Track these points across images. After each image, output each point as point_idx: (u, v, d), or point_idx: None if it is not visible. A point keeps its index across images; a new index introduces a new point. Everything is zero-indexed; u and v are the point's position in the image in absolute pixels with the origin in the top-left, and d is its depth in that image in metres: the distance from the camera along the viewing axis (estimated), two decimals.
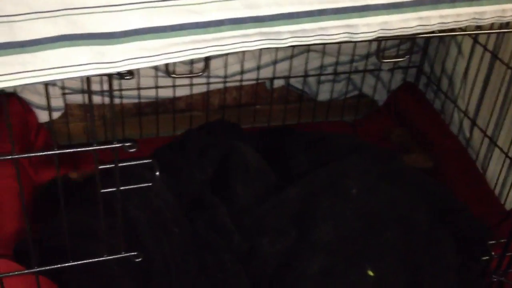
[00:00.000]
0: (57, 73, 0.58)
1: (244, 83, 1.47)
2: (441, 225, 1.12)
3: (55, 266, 0.77)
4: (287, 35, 0.65)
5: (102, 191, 0.72)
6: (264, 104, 1.54)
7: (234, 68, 1.44)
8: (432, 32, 0.75)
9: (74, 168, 1.29)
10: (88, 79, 0.63)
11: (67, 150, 0.70)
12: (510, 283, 1.00)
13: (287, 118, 1.51)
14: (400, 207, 1.12)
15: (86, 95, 1.35)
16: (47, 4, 0.55)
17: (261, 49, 0.79)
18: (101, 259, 0.77)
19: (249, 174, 1.17)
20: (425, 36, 1.26)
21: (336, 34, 0.67)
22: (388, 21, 0.67)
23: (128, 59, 0.59)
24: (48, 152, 0.68)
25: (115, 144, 0.69)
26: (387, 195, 1.14)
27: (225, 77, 1.44)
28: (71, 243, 0.76)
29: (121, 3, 0.57)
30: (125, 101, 1.40)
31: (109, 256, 0.77)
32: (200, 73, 1.23)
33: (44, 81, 0.58)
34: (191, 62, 1.38)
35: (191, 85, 1.43)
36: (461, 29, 0.94)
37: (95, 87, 1.33)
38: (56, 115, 1.34)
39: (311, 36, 0.66)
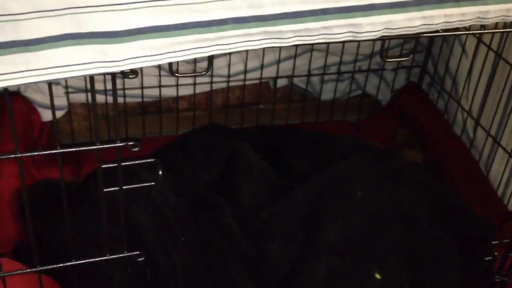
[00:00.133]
0: (60, 72, 0.58)
1: (247, 82, 1.47)
2: (444, 224, 1.11)
3: (58, 265, 0.77)
4: (291, 34, 0.65)
5: (104, 190, 0.72)
6: (267, 104, 1.54)
7: (237, 67, 1.44)
8: (436, 31, 0.75)
9: (76, 168, 1.29)
10: (91, 78, 0.63)
11: (70, 149, 0.70)
12: None
13: (290, 118, 1.51)
14: (403, 206, 1.12)
15: (89, 94, 1.35)
16: (51, 3, 0.55)
17: (264, 48, 0.79)
18: (103, 258, 0.77)
19: (253, 175, 1.17)
20: (429, 36, 1.25)
21: (340, 33, 0.67)
22: (392, 20, 0.67)
23: (132, 58, 0.59)
24: (51, 151, 0.68)
25: (118, 143, 0.69)
26: (390, 195, 1.13)
27: (229, 76, 1.44)
28: (72, 244, 0.76)
29: (125, 2, 0.57)
30: (128, 100, 1.40)
31: (112, 255, 0.77)
32: (204, 72, 1.23)
33: (47, 80, 0.58)
34: (195, 61, 1.38)
35: (194, 84, 1.43)
36: (465, 29, 0.94)
37: (99, 86, 1.33)
38: (59, 114, 1.34)
39: (314, 35, 0.66)
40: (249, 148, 1.22)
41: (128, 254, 0.78)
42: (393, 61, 1.51)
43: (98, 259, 0.78)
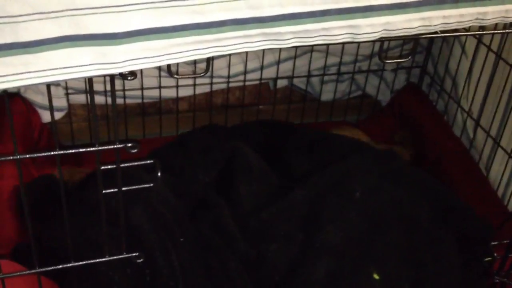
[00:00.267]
0: (59, 74, 0.58)
1: (247, 83, 1.47)
2: (444, 224, 1.11)
3: (57, 266, 0.77)
4: (290, 36, 0.65)
5: (104, 191, 0.72)
6: (267, 104, 1.54)
7: (237, 68, 1.44)
8: (435, 32, 0.75)
9: (77, 167, 1.29)
10: (90, 79, 0.63)
11: (69, 151, 0.70)
12: None
13: (290, 118, 1.51)
14: (403, 207, 1.12)
15: (89, 95, 1.35)
16: (50, 5, 0.55)
17: (264, 49, 0.79)
18: (103, 259, 0.77)
19: (253, 175, 1.17)
20: (428, 37, 1.25)
21: (339, 35, 0.67)
22: (391, 22, 0.67)
23: (130, 60, 0.59)
24: (50, 153, 0.68)
25: (117, 144, 0.69)
26: (390, 195, 1.13)
27: (228, 77, 1.44)
28: (71, 245, 0.76)
29: (124, 4, 0.57)
30: (128, 101, 1.41)
31: (111, 257, 0.77)
32: (202, 74, 1.23)
33: (46, 82, 0.58)
34: (194, 62, 1.38)
35: (194, 85, 1.43)
36: (464, 29, 0.94)
37: (99, 87, 1.33)
38: (59, 115, 1.34)
39: (313, 37, 0.66)
40: (249, 149, 1.22)
41: (127, 255, 0.78)
42: (392, 62, 1.51)
43: (97, 260, 0.78)
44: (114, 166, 0.71)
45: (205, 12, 0.60)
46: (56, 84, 1.29)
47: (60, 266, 0.77)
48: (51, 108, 0.66)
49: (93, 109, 0.67)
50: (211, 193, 1.14)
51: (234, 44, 0.63)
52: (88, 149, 0.69)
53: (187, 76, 1.36)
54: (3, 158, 0.67)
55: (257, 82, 1.48)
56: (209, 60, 1.23)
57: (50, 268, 0.76)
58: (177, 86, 1.41)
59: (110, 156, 0.71)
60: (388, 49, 1.51)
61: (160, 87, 1.40)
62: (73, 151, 0.70)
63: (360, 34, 0.67)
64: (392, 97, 1.58)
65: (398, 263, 1.03)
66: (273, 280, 1.01)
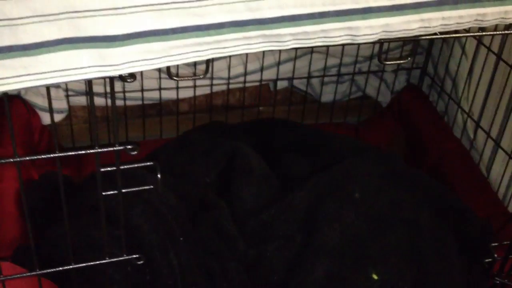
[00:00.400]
0: (59, 76, 0.58)
1: (247, 84, 1.47)
2: (444, 226, 1.11)
3: (57, 269, 0.77)
4: (289, 38, 0.65)
5: (104, 193, 0.72)
6: (267, 106, 1.54)
7: (237, 69, 1.44)
8: (435, 33, 0.75)
9: (77, 170, 1.29)
10: (89, 82, 0.63)
11: (69, 153, 0.70)
12: None
13: (291, 119, 1.51)
14: (403, 208, 1.12)
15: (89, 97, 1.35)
16: (50, 8, 0.55)
17: (264, 51, 0.79)
18: (103, 261, 0.77)
19: (253, 176, 1.17)
20: (427, 38, 1.25)
21: (338, 36, 0.67)
22: (390, 23, 0.67)
23: (130, 62, 0.59)
24: (50, 155, 0.68)
25: (116, 147, 0.69)
26: (389, 196, 1.13)
27: (229, 78, 1.44)
28: (72, 247, 0.77)
29: (123, 6, 0.57)
30: (128, 102, 1.41)
31: (111, 258, 0.77)
32: (202, 76, 1.23)
33: (46, 84, 0.58)
34: (195, 64, 1.38)
35: (195, 86, 1.43)
36: (465, 31, 0.94)
37: (99, 89, 1.33)
38: (60, 117, 1.34)
39: (313, 39, 0.66)
40: (249, 149, 1.22)
41: (127, 257, 0.78)
42: (392, 63, 1.51)
43: (98, 262, 0.78)
44: (114, 168, 0.71)
45: (204, 14, 0.60)
46: (56, 86, 1.29)
47: (61, 268, 0.77)
48: (51, 110, 0.66)
49: (92, 111, 0.67)
50: (211, 194, 1.14)
51: (234, 46, 0.63)
52: (88, 151, 0.69)
53: (187, 78, 1.36)
54: (3, 160, 0.67)
55: (257, 83, 1.48)
56: (209, 62, 1.23)
57: (50, 270, 0.76)
58: (177, 88, 1.41)
59: (110, 158, 0.71)
60: (388, 50, 1.51)
61: (160, 89, 1.40)
62: (73, 153, 0.70)
63: (359, 35, 0.67)
64: (392, 98, 1.58)
65: (398, 264, 1.03)
66: (272, 281, 1.01)
